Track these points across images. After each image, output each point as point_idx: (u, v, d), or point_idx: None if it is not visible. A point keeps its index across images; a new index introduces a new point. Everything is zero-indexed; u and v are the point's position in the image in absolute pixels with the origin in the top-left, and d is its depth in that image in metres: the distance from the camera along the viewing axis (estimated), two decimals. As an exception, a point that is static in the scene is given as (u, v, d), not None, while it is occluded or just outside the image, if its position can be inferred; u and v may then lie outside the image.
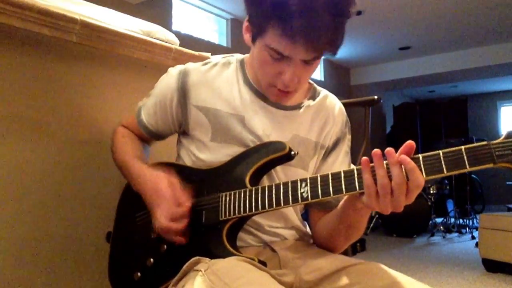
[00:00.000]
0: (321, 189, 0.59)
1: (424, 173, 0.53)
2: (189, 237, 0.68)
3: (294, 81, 0.66)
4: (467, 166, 0.51)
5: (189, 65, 0.77)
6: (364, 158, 0.55)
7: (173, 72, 0.76)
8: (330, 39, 0.60)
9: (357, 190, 0.56)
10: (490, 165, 0.50)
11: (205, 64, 0.77)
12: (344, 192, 0.57)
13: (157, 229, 0.67)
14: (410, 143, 0.54)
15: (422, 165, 0.53)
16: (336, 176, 0.58)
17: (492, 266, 2.63)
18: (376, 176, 0.54)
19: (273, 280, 0.56)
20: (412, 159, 0.53)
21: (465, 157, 0.51)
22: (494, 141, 0.51)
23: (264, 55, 0.65)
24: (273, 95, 0.70)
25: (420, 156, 0.54)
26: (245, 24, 0.68)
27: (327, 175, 0.59)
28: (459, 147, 0.52)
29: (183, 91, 0.74)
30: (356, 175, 0.57)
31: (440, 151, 0.53)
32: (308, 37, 0.58)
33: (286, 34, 0.59)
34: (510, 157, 0.50)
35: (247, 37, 0.69)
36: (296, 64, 0.63)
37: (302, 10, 0.56)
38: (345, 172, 0.58)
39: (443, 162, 0.52)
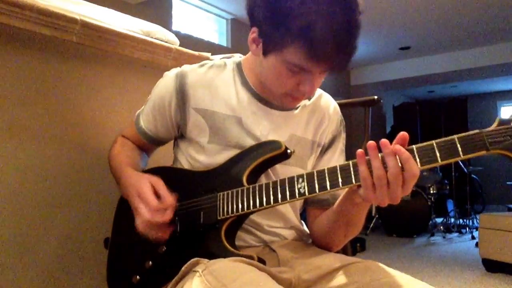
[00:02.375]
0: (318, 183, 0.59)
1: (419, 163, 0.54)
2: (188, 236, 0.68)
3: (314, 91, 0.69)
4: (461, 154, 0.52)
5: (186, 67, 0.77)
6: (359, 150, 0.55)
7: (170, 75, 0.76)
8: (350, 57, 0.64)
9: (354, 183, 0.57)
10: (483, 152, 0.52)
11: (202, 66, 0.77)
12: (341, 186, 0.58)
13: (140, 226, 0.66)
14: (404, 134, 0.55)
15: (416, 155, 0.54)
16: (332, 170, 0.59)
17: (492, 266, 2.63)
18: (372, 167, 0.54)
19: (271, 280, 0.56)
20: (406, 150, 0.54)
21: (458, 146, 0.52)
22: (486, 129, 0.52)
23: (281, 69, 0.65)
24: (288, 102, 0.72)
25: (414, 147, 0.55)
26: (253, 35, 0.68)
27: (323, 170, 0.60)
28: (452, 136, 0.53)
29: (181, 93, 0.74)
30: (352, 168, 0.57)
31: (434, 141, 0.54)
32: (331, 60, 0.62)
33: (311, 56, 0.61)
34: (502, 144, 0.51)
35: (254, 48, 0.69)
36: (316, 75, 0.66)
37: (329, 37, 0.58)
38: (341, 166, 0.59)
39: (437, 151, 0.53)
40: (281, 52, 0.63)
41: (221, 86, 0.75)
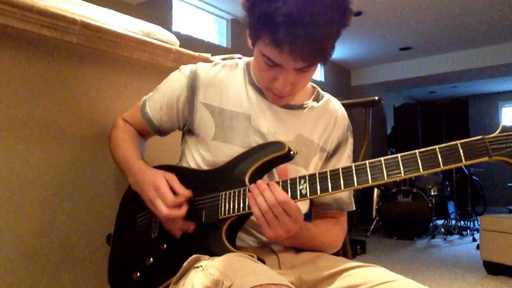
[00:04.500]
0: (319, 185, 0.60)
1: (421, 168, 0.54)
2: (189, 235, 0.68)
3: (287, 88, 0.67)
4: (463, 160, 0.53)
5: (200, 66, 0.79)
6: (252, 185, 0.63)
7: (185, 70, 0.78)
8: (317, 50, 0.61)
9: (356, 186, 0.58)
10: (486, 159, 0.52)
11: (215, 65, 0.79)
12: (342, 188, 0.58)
13: (161, 219, 0.69)
14: (283, 169, 0.66)
15: (419, 160, 0.55)
16: (334, 172, 0.60)
17: (493, 269, 2.62)
18: (257, 204, 0.60)
19: (272, 271, 0.56)
20: (408, 154, 0.56)
21: (461, 151, 0.53)
22: (489, 135, 0.53)
23: (260, 60, 0.66)
24: (270, 97, 0.73)
25: (417, 151, 0.55)
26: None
27: (326, 171, 0.60)
28: (455, 142, 0.54)
29: (192, 90, 0.76)
30: (354, 172, 0.58)
31: (437, 146, 0.55)
32: (293, 48, 0.60)
33: (273, 44, 0.60)
34: (505, 151, 0.51)
35: (249, 40, 0.70)
36: (288, 71, 0.65)
37: (289, 21, 0.57)
38: (343, 168, 0.59)
39: (439, 157, 0.54)
40: (258, 44, 0.64)
41: (232, 85, 0.77)
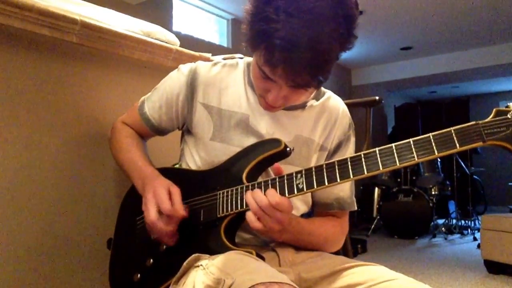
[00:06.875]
0: (315, 178, 0.60)
1: (416, 157, 0.54)
2: (188, 234, 0.68)
3: (278, 102, 0.67)
4: (457, 146, 0.52)
5: (200, 64, 0.79)
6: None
7: (184, 69, 0.78)
8: (312, 76, 0.60)
9: (351, 177, 0.57)
10: (480, 144, 0.52)
11: (215, 64, 0.79)
12: (338, 180, 0.58)
13: (146, 222, 0.68)
14: (278, 169, 0.65)
15: (413, 149, 0.54)
16: (330, 165, 0.60)
17: (494, 268, 2.61)
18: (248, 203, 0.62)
19: (273, 269, 0.56)
20: (402, 143, 0.55)
21: (454, 137, 0.53)
22: (483, 121, 0.53)
23: (256, 69, 0.66)
24: (262, 105, 0.72)
25: (411, 140, 0.55)
26: None
27: (322, 165, 0.61)
28: (449, 129, 0.53)
29: (191, 88, 0.76)
30: (350, 164, 0.58)
31: (430, 134, 0.54)
32: (287, 72, 0.59)
33: (268, 62, 0.60)
34: (498, 135, 0.51)
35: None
36: (282, 87, 0.64)
37: (285, 45, 0.56)
38: (338, 161, 0.59)
39: (433, 144, 0.53)
40: (254, 53, 0.64)
41: (231, 86, 0.76)
